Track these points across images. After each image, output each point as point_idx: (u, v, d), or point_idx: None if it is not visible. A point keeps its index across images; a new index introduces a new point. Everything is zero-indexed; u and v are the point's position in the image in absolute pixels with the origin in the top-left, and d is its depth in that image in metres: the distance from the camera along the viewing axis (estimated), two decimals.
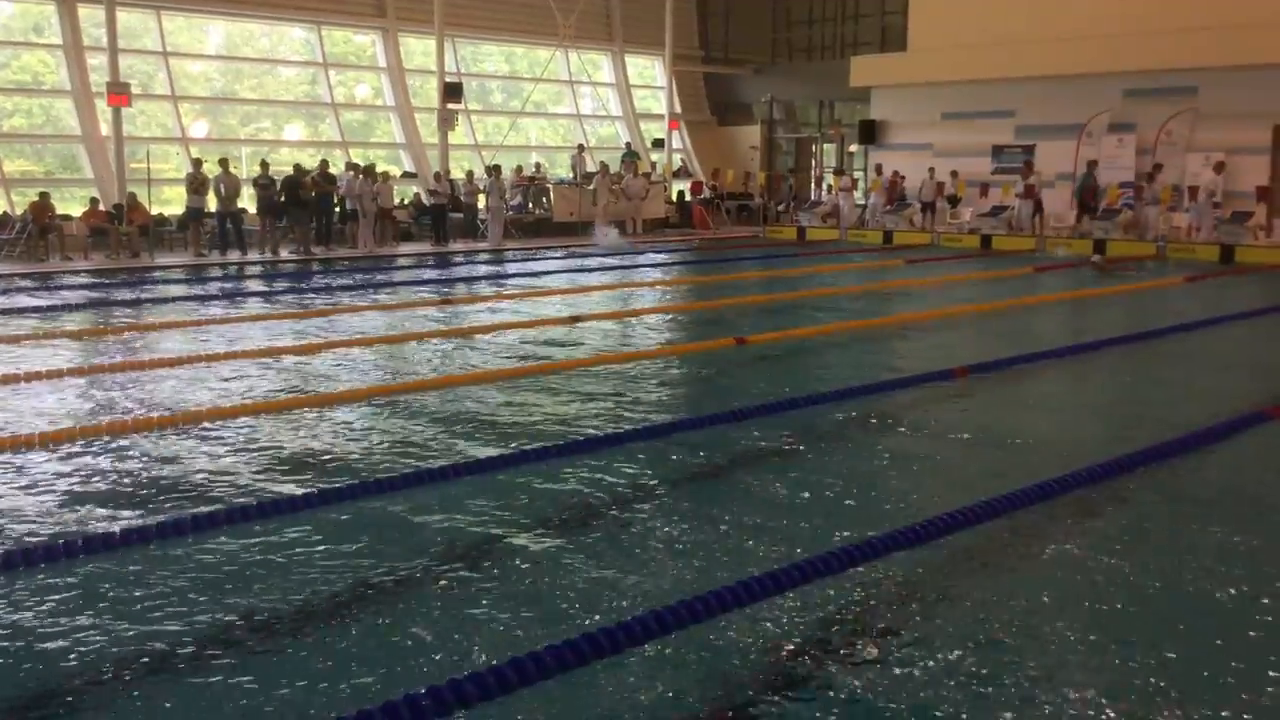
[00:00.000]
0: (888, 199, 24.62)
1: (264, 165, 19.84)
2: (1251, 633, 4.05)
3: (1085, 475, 5.69)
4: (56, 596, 4.30)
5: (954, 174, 24.11)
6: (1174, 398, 8.31)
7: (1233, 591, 4.39)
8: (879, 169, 25.23)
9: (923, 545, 4.71)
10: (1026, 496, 5.32)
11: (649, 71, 30.93)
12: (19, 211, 18.83)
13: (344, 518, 5.22)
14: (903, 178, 24.77)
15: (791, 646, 3.88)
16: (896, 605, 4.26)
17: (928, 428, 7.21)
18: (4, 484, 5.72)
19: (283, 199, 19.54)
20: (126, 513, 5.28)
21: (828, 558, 4.42)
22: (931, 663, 3.75)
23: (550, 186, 25.22)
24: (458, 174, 23.70)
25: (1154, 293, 14.84)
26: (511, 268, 18.19)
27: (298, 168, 20.40)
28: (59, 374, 8.54)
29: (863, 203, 25.89)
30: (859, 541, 4.66)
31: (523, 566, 4.65)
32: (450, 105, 23.43)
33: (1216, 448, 6.57)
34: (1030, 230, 21.86)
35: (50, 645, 3.89)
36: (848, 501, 5.57)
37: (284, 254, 19.51)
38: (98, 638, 3.95)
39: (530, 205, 25.07)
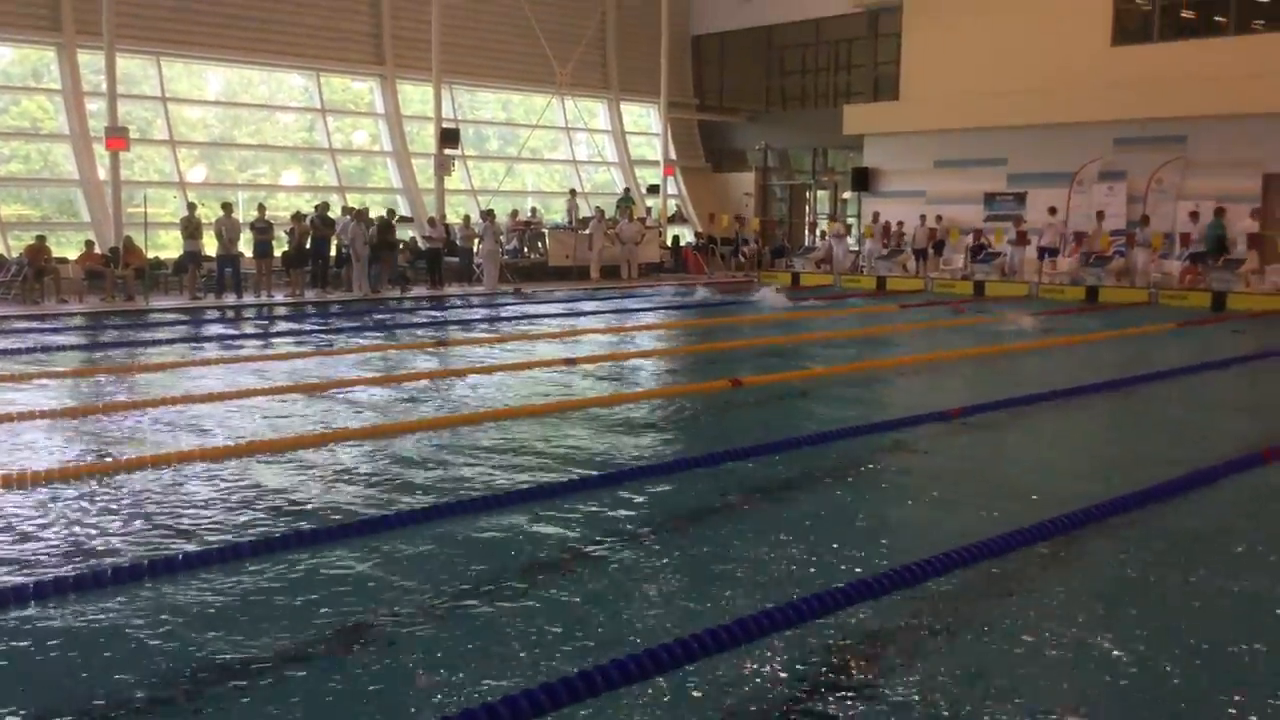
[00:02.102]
0: (882, 245, 24.76)
1: (261, 209, 19.95)
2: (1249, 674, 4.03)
3: (1080, 516, 5.67)
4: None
5: (939, 218, 24.27)
6: (1164, 441, 8.31)
7: (1228, 635, 4.37)
8: (875, 217, 25.39)
9: (916, 586, 4.69)
10: (1021, 537, 5.31)
11: (644, 119, 31.22)
12: (15, 254, 18.88)
13: (338, 555, 5.19)
14: (900, 224, 24.93)
15: (775, 689, 3.85)
16: (886, 648, 4.23)
17: (924, 468, 7.21)
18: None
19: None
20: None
21: (824, 596, 4.40)
22: (924, 703, 3.73)
23: (546, 231, 25.39)
24: (454, 218, 23.78)
25: (1145, 339, 14.92)
26: (506, 311, 18.23)
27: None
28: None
29: (856, 248, 26.08)
30: (855, 580, 4.63)
31: (516, 608, 4.61)
32: (447, 151, 23.61)
33: (1213, 489, 6.56)
34: (1023, 276, 21.99)
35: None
36: (843, 540, 5.53)
37: (279, 297, 19.56)
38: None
39: (525, 249, 25.20)
